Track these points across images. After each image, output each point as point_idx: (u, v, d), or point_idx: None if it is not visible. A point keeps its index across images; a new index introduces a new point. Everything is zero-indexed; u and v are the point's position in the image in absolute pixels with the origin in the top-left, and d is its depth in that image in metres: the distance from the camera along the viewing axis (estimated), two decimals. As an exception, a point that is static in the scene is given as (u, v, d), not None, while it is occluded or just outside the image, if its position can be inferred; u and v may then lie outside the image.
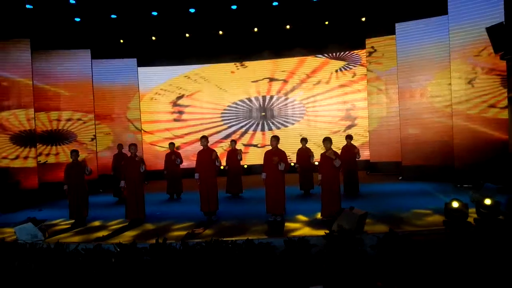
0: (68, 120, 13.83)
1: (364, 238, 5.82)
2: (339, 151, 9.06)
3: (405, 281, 4.82)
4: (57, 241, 6.40)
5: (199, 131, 15.97)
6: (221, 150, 15.45)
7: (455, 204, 6.53)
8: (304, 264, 5.43)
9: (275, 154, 8.09)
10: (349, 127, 15.67)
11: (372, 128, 14.67)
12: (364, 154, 14.14)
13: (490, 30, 9.17)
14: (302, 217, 8.24)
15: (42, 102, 13.25)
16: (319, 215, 8.01)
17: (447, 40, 11.27)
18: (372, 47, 14.60)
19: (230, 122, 16.68)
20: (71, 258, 5.89)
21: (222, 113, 16.68)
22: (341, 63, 15.91)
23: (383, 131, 14.38)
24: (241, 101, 16.64)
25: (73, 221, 8.83)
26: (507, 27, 9.01)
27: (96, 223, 8.77)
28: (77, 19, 13.44)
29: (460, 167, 10.85)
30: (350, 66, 15.84)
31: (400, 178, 12.80)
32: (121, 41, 15.16)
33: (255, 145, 16.40)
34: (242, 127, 16.64)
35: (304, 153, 11.09)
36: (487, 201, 6.48)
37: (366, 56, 14.88)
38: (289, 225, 7.71)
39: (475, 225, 6.33)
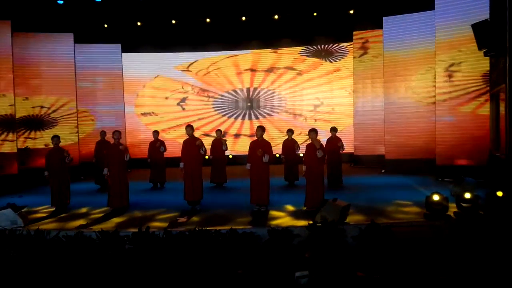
0: (50, 105, 13.52)
1: (347, 229, 5.89)
2: (323, 143, 9.11)
3: (386, 271, 4.91)
4: (38, 228, 6.29)
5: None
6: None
7: (435, 197, 6.67)
8: (287, 253, 5.47)
9: (260, 145, 8.09)
10: (332, 118, 15.70)
11: (357, 121, 14.78)
12: (348, 147, 14.26)
13: (475, 27, 9.29)
14: (286, 208, 8.28)
15: (22, 86, 12.91)
16: (303, 206, 8.07)
17: (433, 35, 11.38)
18: (359, 39, 14.64)
19: (217, 113, 16.58)
20: (51, 245, 5.80)
21: (211, 104, 16.54)
22: (328, 56, 15.92)
23: (368, 125, 14.52)
24: (228, 92, 16.54)
25: (54, 208, 8.69)
26: (491, 25, 9.15)
27: (78, 211, 8.64)
28: (60, 2, 13.06)
29: (442, 161, 11.06)
30: (336, 59, 15.86)
31: (383, 171, 12.98)
32: (105, 25, 14.82)
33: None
34: (229, 117, 16.57)
35: (290, 144, 11.14)
36: (467, 195, 6.63)
37: (353, 49, 14.93)
38: (273, 215, 7.75)
39: (455, 218, 6.47)
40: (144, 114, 16.35)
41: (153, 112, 16.40)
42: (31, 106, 13.35)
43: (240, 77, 16.48)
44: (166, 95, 16.41)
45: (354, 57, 14.88)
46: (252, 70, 16.41)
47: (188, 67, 16.42)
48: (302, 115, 16.23)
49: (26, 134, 13.23)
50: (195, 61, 16.41)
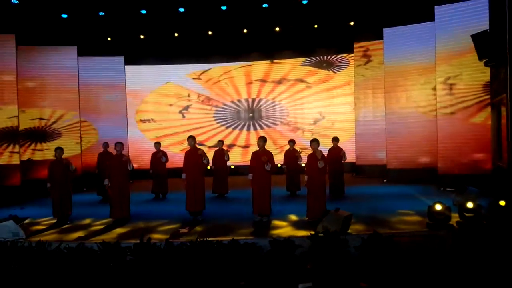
0: (53, 117, 13.61)
1: (349, 239, 5.87)
2: (325, 153, 9.13)
3: (388, 281, 4.87)
4: (39, 239, 6.28)
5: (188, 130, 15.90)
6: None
7: (438, 207, 6.64)
8: (289, 264, 5.45)
9: (262, 155, 8.11)
10: (334, 129, 15.65)
11: (358, 131, 14.79)
12: (350, 157, 14.23)
13: (475, 38, 9.37)
14: (288, 218, 8.26)
15: (26, 98, 13.01)
16: (305, 216, 8.05)
17: (433, 46, 11.46)
18: (360, 48, 14.73)
19: (219, 124, 16.63)
20: (53, 257, 5.79)
21: (212, 113, 16.60)
22: (329, 66, 16.01)
23: (369, 134, 14.51)
24: (231, 102, 16.61)
25: (56, 219, 8.69)
26: (491, 35, 9.23)
27: (80, 222, 8.63)
28: (64, 15, 13.26)
29: (444, 170, 11.03)
30: (338, 70, 15.94)
31: (385, 180, 12.94)
32: (109, 38, 14.99)
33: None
34: (229, 127, 16.61)
35: (292, 154, 11.15)
36: (469, 205, 6.60)
37: (354, 60, 15.01)
38: (275, 225, 7.73)
39: (458, 228, 6.43)
40: (142, 121, 16.43)
41: (152, 119, 16.48)
42: (35, 118, 13.43)
43: (243, 88, 16.54)
44: (170, 102, 16.48)
45: (356, 66, 14.90)
46: (260, 81, 16.45)
47: (200, 75, 16.52)
48: (301, 128, 16.24)
49: (32, 146, 13.30)
50: (206, 70, 16.46)
